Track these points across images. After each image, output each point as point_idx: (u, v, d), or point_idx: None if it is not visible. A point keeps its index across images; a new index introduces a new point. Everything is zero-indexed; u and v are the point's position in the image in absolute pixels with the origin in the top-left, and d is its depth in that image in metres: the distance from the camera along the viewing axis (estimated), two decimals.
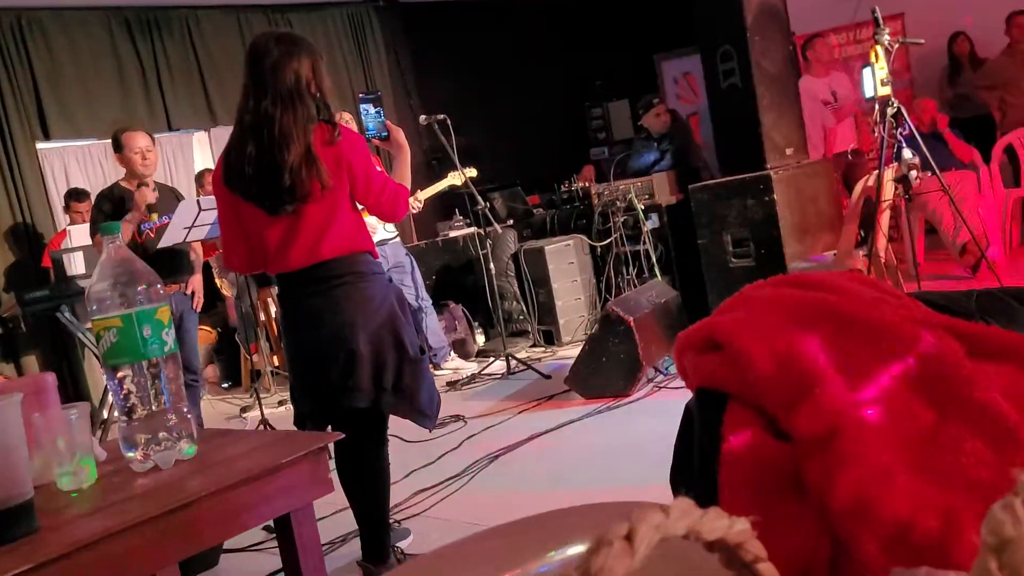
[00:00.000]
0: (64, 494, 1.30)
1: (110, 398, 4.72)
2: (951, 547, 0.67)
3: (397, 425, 3.02)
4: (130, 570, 1.19)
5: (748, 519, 0.46)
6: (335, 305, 2.40)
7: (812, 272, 0.95)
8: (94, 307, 1.34)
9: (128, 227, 3.91)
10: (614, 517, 0.46)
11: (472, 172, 5.37)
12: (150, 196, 3.93)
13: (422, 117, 5.15)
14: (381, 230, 5.14)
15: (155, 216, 4.08)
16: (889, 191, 4.16)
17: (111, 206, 3.98)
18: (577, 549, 0.55)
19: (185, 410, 1.38)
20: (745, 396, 0.86)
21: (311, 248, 2.39)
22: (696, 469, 0.89)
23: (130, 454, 1.34)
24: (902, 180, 4.07)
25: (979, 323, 0.86)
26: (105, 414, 4.61)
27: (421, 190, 5.42)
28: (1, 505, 1.11)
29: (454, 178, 5.35)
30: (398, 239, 5.44)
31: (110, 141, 4.13)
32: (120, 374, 1.33)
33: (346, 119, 4.78)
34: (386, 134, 2.69)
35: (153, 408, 1.34)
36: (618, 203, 5.87)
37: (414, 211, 5.32)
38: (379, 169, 2.61)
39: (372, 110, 2.69)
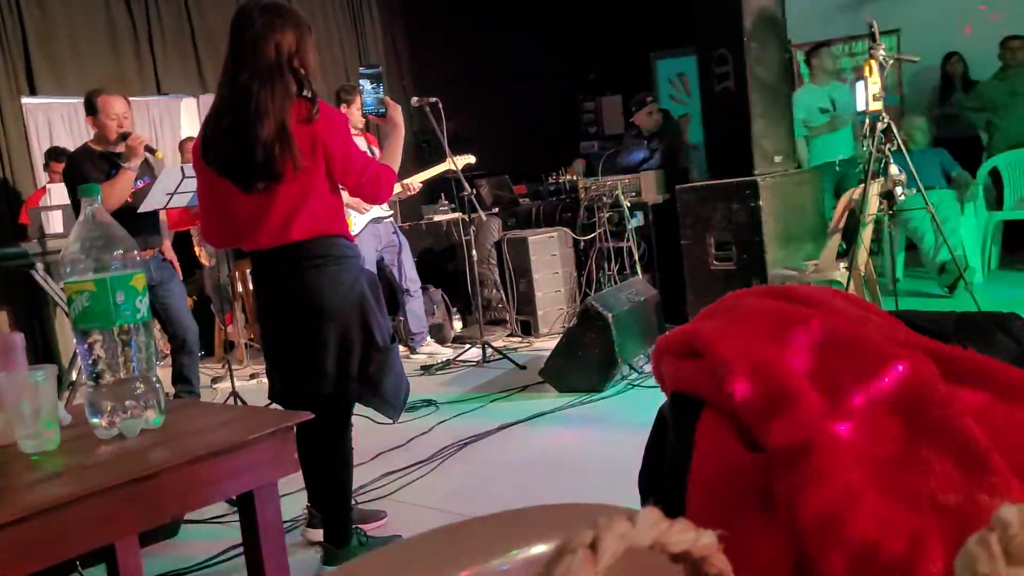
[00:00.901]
0: (25, 457, 1.28)
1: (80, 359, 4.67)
2: (916, 570, 0.67)
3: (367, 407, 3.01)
4: (89, 537, 1.17)
5: (714, 533, 0.45)
6: (304, 288, 2.36)
7: (798, 286, 0.95)
8: (68, 269, 1.32)
9: (130, 175, 3.72)
10: (580, 520, 0.45)
11: (471, 159, 5.35)
12: (145, 138, 3.79)
13: (414, 99, 5.11)
14: (376, 208, 5.12)
15: (159, 155, 3.93)
16: (874, 205, 4.19)
17: (107, 166, 3.76)
18: (540, 549, 0.54)
19: (154, 379, 1.36)
20: (720, 405, 0.85)
21: (281, 228, 2.33)
22: (666, 474, 0.89)
23: (95, 420, 1.32)
24: (887, 195, 4.10)
25: (957, 347, 0.86)
26: (74, 375, 4.56)
27: (418, 172, 5.41)
28: None
29: (450, 163, 5.34)
30: (391, 219, 5.41)
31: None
32: (90, 339, 1.31)
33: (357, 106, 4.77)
34: (383, 110, 2.65)
35: (121, 375, 1.32)
36: (604, 198, 5.87)
37: (411, 194, 5.30)
38: (363, 149, 2.57)
39: (369, 85, 2.66)
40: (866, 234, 4.31)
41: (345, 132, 2.40)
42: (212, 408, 1.59)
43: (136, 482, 1.18)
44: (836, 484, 0.73)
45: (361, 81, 2.66)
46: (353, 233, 5.07)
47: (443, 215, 6.55)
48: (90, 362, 1.31)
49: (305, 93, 2.30)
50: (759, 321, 0.86)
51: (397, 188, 5.22)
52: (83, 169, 3.73)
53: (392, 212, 5.45)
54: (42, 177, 5.91)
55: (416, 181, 5.30)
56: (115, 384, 1.31)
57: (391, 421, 2.73)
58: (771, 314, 0.86)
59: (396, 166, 2.58)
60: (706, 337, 0.87)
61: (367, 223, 5.13)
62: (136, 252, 1.36)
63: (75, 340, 1.34)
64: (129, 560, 1.46)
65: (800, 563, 0.75)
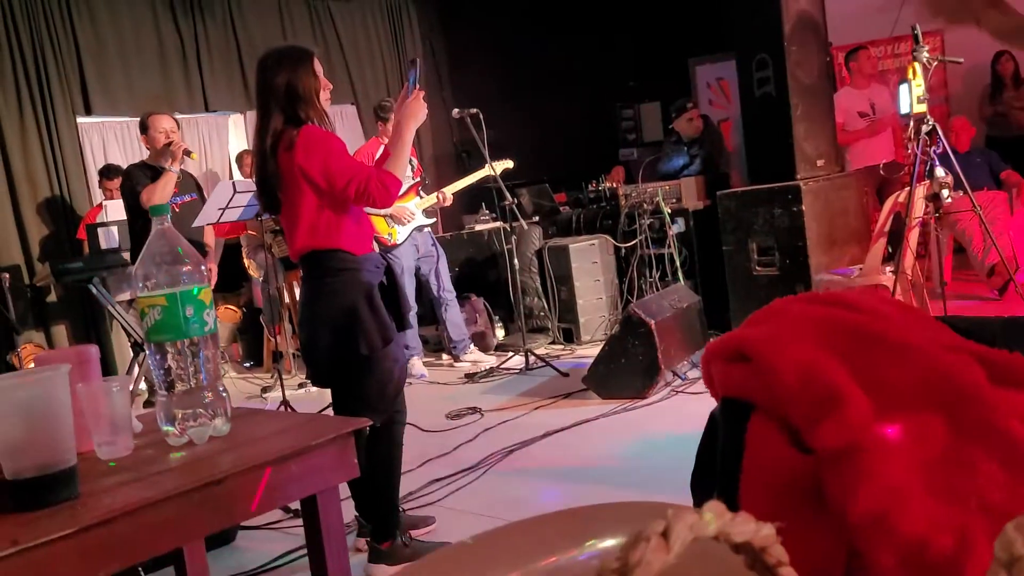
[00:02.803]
0: (103, 463, 1.35)
1: (135, 371, 4.80)
2: (964, 565, 0.69)
3: (413, 414, 3.08)
4: (163, 539, 1.24)
5: (773, 524, 0.49)
6: (306, 298, 2.66)
7: (843, 291, 0.98)
8: (140, 284, 1.39)
9: (171, 176, 4.23)
10: (648, 515, 0.49)
11: (508, 164, 5.44)
12: (184, 143, 4.36)
13: (455, 111, 5.19)
14: (419, 216, 5.23)
15: (194, 155, 4.50)
16: (919, 208, 4.14)
17: (152, 173, 4.32)
18: (612, 542, 0.58)
19: (221, 389, 1.43)
20: (770, 408, 0.88)
21: (291, 244, 2.66)
22: (718, 476, 0.92)
23: (167, 428, 1.39)
24: (933, 198, 4.06)
25: (1003, 351, 0.88)
26: (130, 387, 4.69)
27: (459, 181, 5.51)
28: (46, 470, 1.16)
29: (489, 169, 5.42)
30: (430, 230, 5.48)
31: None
32: (163, 351, 1.37)
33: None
34: None
35: (192, 385, 1.38)
36: (645, 205, 5.87)
37: (445, 205, 5.39)
38: (350, 160, 2.61)
39: (411, 80, 2.67)
40: (912, 237, 4.26)
41: (322, 152, 2.48)
42: (275, 416, 1.66)
43: (208, 486, 1.24)
44: (885, 483, 0.76)
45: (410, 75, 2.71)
46: (397, 242, 5.17)
47: (484, 224, 6.61)
48: (162, 372, 1.38)
49: (289, 122, 2.50)
50: (806, 325, 0.89)
51: (433, 199, 5.31)
52: (135, 179, 4.32)
53: (433, 220, 5.53)
54: (98, 194, 6.11)
55: (449, 192, 5.37)
56: (186, 393, 1.38)
57: (374, 423, 2.77)
58: (818, 319, 0.89)
59: (395, 167, 2.57)
60: (754, 342, 0.90)
61: (410, 232, 5.22)
62: (203, 266, 1.43)
63: (148, 352, 1.41)
64: (196, 561, 1.52)
65: (851, 561, 0.78)
